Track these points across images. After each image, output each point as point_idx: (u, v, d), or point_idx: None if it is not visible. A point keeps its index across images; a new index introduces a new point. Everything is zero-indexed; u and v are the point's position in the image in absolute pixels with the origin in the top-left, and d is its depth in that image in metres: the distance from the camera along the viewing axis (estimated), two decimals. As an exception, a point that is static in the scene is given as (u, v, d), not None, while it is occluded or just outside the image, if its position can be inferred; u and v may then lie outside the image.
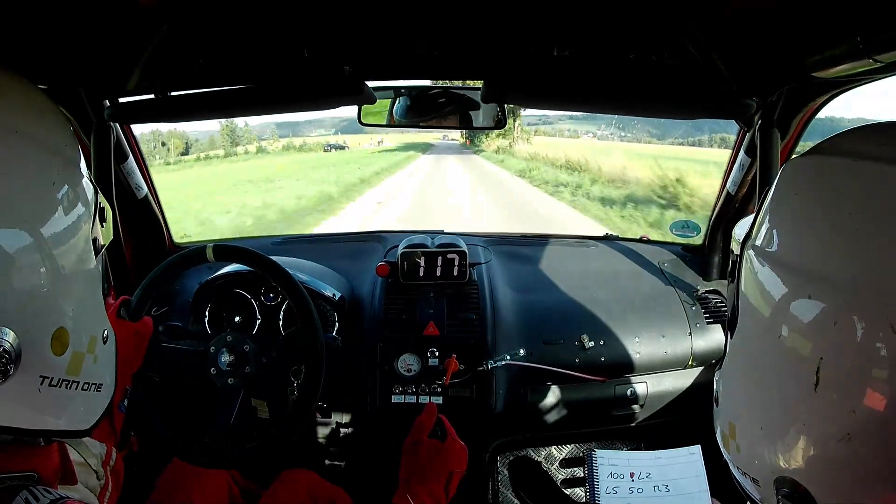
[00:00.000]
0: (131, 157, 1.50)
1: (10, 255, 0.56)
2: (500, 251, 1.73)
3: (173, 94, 1.22)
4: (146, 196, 1.59)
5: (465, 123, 1.47)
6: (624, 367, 1.47)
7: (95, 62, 1.11)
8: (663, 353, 1.48)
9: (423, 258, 1.51)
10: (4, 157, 0.57)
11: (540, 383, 1.45)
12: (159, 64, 1.12)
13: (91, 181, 0.69)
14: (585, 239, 1.87)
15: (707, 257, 1.68)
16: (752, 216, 0.64)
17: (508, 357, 1.39)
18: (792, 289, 0.53)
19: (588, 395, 1.48)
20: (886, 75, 0.98)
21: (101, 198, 0.70)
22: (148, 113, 1.26)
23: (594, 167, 16.45)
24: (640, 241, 1.87)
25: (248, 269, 1.32)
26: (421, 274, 1.51)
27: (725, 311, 1.48)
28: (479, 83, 1.33)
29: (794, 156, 1.38)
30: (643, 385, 1.49)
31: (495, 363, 1.39)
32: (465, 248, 1.53)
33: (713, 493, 1.09)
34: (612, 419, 1.52)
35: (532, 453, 1.69)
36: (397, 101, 1.46)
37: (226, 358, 1.21)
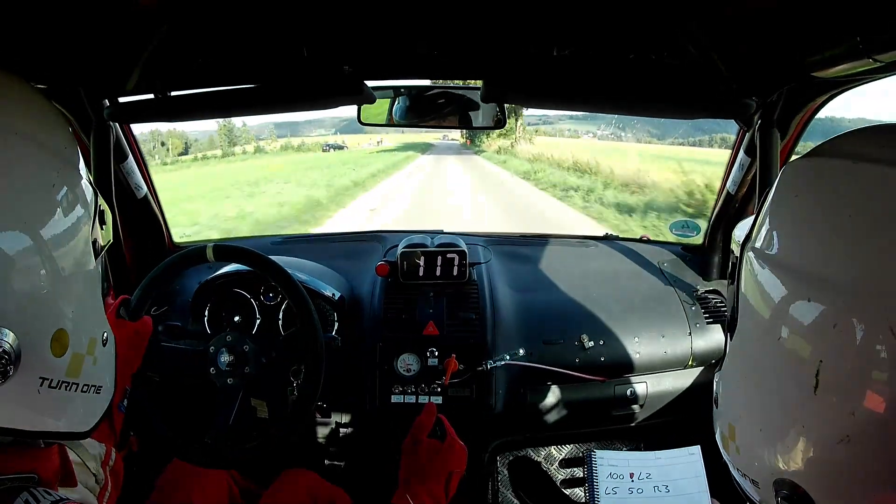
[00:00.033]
0: (131, 157, 1.50)
1: (10, 256, 0.56)
2: (499, 251, 1.73)
3: (173, 93, 1.21)
4: (146, 196, 1.59)
5: (464, 123, 1.47)
6: (624, 367, 1.47)
7: (95, 62, 1.11)
8: (663, 353, 1.48)
9: (422, 258, 1.51)
10: (4, 158, 0.57)
11: (540, 383, 1.45)
12: (159, 64, 1.12)
13: (90, 183, 0.69)
14: (585, 239, 1.87)
15: (707, 257, 1.68)
16: (752, 217, 0.64)
17: (508, 357, 1.39)
18: (792, 291, 0.53)
19: (588, 395, 1.48)
20: (886, 75, 0.98)
21: (101, 200, 0.70)
22: (147, 113, 1.26)
23: (605, 169, 15.39)
24: (640, 240, 1.87)
25: (248, 268, 1.32)
26: (420, 273, 1.51)
27: (725, 311, 1.48)
28: (478, 83, 1.33)
29: (793, 156, 1.38)
30: (643, 385, 1.49)
31: (495, 363, 1.39)
32: (464, 247, 1.53)
33: (713, 494, 1.09)
34: (611, 419, 1.52)
35: (532, 453, 1.69)
36: (397, 101, 1.46)
37: (225, 358, 1.21)
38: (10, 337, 0.56)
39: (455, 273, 1.51)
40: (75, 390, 0.64)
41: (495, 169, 21.07)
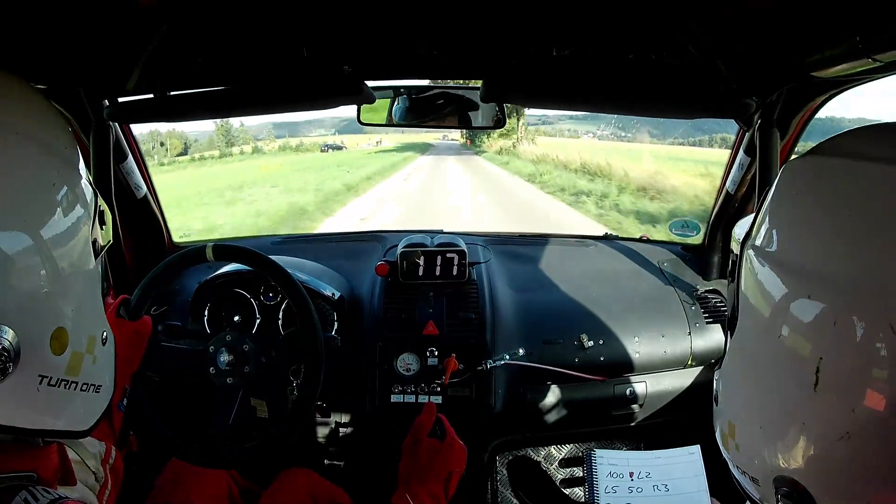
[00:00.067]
0: (130, 157, 1.50)
1: (10, 256, 0.56)
2: (499, 251, 1.73)
3: (173, 93, 1.21)
4: (145, 196, 1.59)
5: (464, 123, 1.47)
6: (623, 366, 1.47)
7: (95, 62, 1.11)
8: (663, 352, 1.48)
9: (422, 257, 1.51)
10: (4, 158, 0.57)
11: (539, 383, 1.45)
12: (159, 64, 1.12)
13: (90, 183, 0.69)
14: (585, 238, 1.88)
15: (707, 257, 1.68)
16: (752, 216, 0.64)
17: (508, 356, 1.39)
18: (792, 289, 0.53)
19: (587, 394, 1.48)
20: (886, 75, 0.98)
21: (101, 200, 0.71)
22: (147, 113, 1.26)
23: (619, 172, 13.84)
24: (640, 240, 1.87)
25: (248, 268, 1.32)
26: (420, 273, 1.51)
27: (725, 310, 1.48)
28: (478, 83, 1.33)
29: (793, 156, 1.38)
30: (642, 385, 1.49)
31: (494, 363, 1.39)
32: (464, 247, 1.53)
33: (713, 493, 1.09)
34: (611, 419, 1.52)
35: (531, 453, 1.69)
36: (396, 101, 1.46)
37: (225, 357, 1.21)
38: (9, 334, 0.56)
39: (455, 273, 1.51)
40: (75, 389, 0.64)
41: (496, 170, 20.14)
